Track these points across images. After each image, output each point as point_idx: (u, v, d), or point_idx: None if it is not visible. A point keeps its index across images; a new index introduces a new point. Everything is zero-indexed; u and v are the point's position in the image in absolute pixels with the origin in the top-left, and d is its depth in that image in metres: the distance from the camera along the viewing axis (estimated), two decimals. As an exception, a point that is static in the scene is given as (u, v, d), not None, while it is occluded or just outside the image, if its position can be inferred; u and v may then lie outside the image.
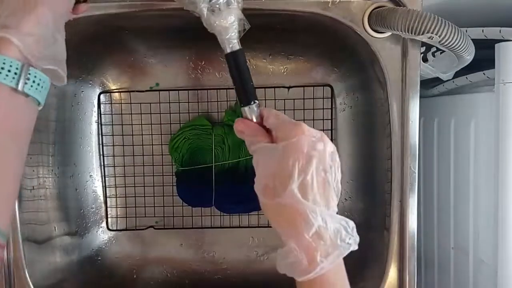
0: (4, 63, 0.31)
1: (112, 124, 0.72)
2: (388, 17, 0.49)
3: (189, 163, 0.70)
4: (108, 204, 0.73)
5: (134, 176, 0.73)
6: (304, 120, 0.72)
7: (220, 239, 0.74)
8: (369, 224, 0.65)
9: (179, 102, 0.71)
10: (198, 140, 0.70)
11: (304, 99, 0.71)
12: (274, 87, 0.71)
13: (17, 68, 0.32)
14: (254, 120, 0.44)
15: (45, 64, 0.34)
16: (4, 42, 0.32)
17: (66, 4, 0.38)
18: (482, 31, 0.59)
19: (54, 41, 0.35)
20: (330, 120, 0.72)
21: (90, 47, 0.64)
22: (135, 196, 0.73)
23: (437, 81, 0.68)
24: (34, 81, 0.33)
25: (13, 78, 0.32)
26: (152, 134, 0.72)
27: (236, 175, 0.69)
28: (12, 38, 0.32)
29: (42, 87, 0.34)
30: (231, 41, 0.44)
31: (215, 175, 0.69)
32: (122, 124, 0.72)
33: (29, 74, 0.33)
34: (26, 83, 0.32)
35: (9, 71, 0.31)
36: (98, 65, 0.69)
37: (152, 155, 0.72)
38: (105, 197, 0.73)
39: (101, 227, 0.73)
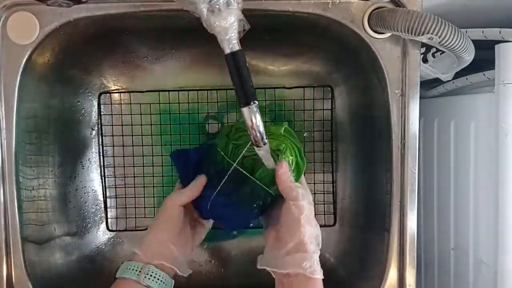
0: (131, 266, 0.49)
1: (112, 125, 0.72)
2: (388, 18, 0.49)
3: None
4: (108, 205, 0.73)
5: (134, 176, 0.73)
6: (304, 120, 0.72)
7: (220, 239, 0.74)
8: (369, 224, 0.65)
9: (179, 103, 0.71)
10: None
11: (304, 99, 0.71)
12: (274, 88, 0.71)
13: (138, 268, 0.48)
14: (254, 120, 0.45)
15: (160, 262, 0.50)
16: (133, 254, 0.51)
17: (167, 224, 0.53)
18: (482, 32, 0.59)
19: (168, 249, 0.51)
20: (330, 121, 0.72)
21: (90, 47, 0.64)
22: (135, 197, 0.73)
23: (437, 82, 0.68)
24: (151, 275, 0.48)
25: (135, 274, 0.48)
26: (152, 135, 0.72)
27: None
28: (136, 250, 0.51)
29: (158, 279, 0.48)
30: (231, 41, 0.44)
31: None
32: (122, 125, 0.72)
33: (149, 270, 0.48)
34: (145, 277, 0.48)
35: (132, 270, 0.49)
36: (98, 66, 0.69)
37: (152, 155, 0.72)
38: (105, 197, 0.73)
39: (101, 227, 0.73)
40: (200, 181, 0.55)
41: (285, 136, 0.56)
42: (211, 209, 0.55)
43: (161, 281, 0.48)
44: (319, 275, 0.46)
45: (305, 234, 0.47)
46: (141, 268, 0.48)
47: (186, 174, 0.58)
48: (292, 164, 0.55)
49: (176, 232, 0.52)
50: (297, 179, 0.56)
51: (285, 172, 0.52)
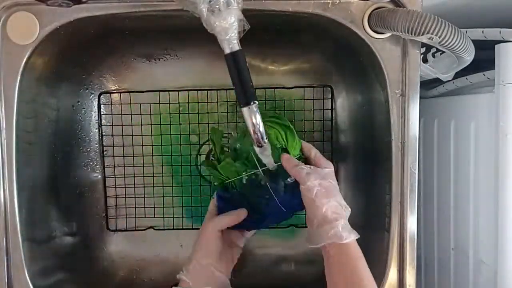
0: None
1: (112, 125, 0.72)
2: (388, 18, 0.49)
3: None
4: (108, 205, 0.73)
5: (134, 176, 0.73)
6: (304, 120, 0.72)
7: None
8: (369, 224, 0.65)
9: (179, 103, 0.71)
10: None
11: (304, 99, 0.71)
12: (274, 88, 0.71)
13: None
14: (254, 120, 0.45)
15: (207, 287, 0.53)
16: (181, 280, 0.53)
17: (208, 248, 0.54)
18: (482, 32, 0.59)
19: (212, 273, 0.53)
20: (330, 121, 0.72)
21: (90, 47, 0.64)
22: (135, 197, 0.73)
23: (437, 82, 0.68)
24: None
25: None
26: (152, 135, 0.72)
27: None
28: (183, 277, 0.53)
29: None
30: (231, 41, 0.44)
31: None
32: (122, 125, 0.72)
33: None
34: None
35: None
36: (98, 66, 0.69)
37: (152, 155, 0.72)
38: (105, 197, 0.73)
39: (101, 227, 0.73)
40: (242, 213, 0.56)
41: (271, 121, 0.56)
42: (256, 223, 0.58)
43: None
44: (348, 238, 0.49)
45: (322, 209, 0.50)
46: None
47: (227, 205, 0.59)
48: (278, 147, 0.55)
49: (217, 255, 0.54)
50: (296, 152, 0.56)
51: (287, 159, 0.54)
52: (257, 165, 0.56)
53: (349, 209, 0.53)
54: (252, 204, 0.57)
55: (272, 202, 0.57)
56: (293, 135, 0.56)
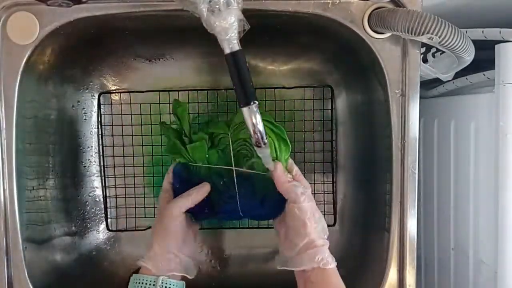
0: (145, 280, 0.49)
1: (112, 125, 0.72)
2: (388, 18, 0.49)
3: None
4: (108, 205, 0.73)
5: (134, 176, 0.73)
6: (304, 120, 0.72)
7: (220, 239, 0.74)
8: (369, 224, 0.65)
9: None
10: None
11: (304, 99, 0.71)
12: (274, 88, 0.71)
13: (152, 281, 0.49)
14: (254, 120, 0.45)
15: (172, 273, 0.51)
16: (143, 267, 0.51)
17: (172, 231, 0.52)
18: (482, 32, 0.59)
19: (176, 257, 0.51)
20: (330, 121, 0.72)
21: (90, 47, 0.64)
22: (135, 197, 0.73)
23: (437, 82, 0.68)
24: (166, 285, 0.49)
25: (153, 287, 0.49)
26: (152, 135, 0.72)
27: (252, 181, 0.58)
28: (146, 264, 0.50)
29: (174, 285, 0.50)
30: (231, 41, 0.44)
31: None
32: (122, 125, 0.72)
33: (162, 282, 0.49)
34: None
35: (149, 284, 0.49)
36: (98, 66, 0.69)
37: (152, 155, 0.72)
38: (105, 197, 0.73)
39: (101, 227, 0.73)
40: (205, 189, 0.55)
41: (267, 127, 0.55)
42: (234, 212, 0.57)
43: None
44: (332, 264, 0.49)
45: (312, 232, 0.50)
46: (155, 281, 0.49)
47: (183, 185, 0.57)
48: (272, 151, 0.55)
49: (182, 239, 0.52)
50: (286, 159, 0.56)
51: (280, 174, 0.53)
52: (232, 162, 0.56)
53: (327, 233, 0.53)
54: (209, 197, 0.56)
55: (232, 205, 0.56)
56: (288, 149, 0.56)
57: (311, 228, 0.50)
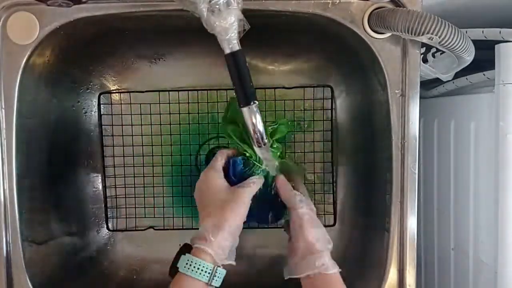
0: (202, 266, 0.46)
1: (112, 125, 0.72)
2: (388, 18, 0.49)
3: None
4: (108, 205, 0.73)
5: (134, 176, 0.73)
6: (304, 120, 0.72)
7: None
8: (369, 224, 0.65)
9: (179, 103, 0.71)
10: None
11: (304, 99, 0.71)
12: (274, 88, 0.71)
13: (210, 270, 0.46)
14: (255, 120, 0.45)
15: (227, 262, 0.49)
16: (202, 251, 0.47)
17: (242, 219, 0.50)
18: (482, 32, 0.59)
19: (233, 244, 0.50)
20: (330, 121, 0.72)
21: (90, 47, 0.64)
22: (135, 197, 0.73)
23: (437, 82, 0.68)
24: (219, 277, 0.48)
25: (207, 277, 0.46)
26: (152, 135, 0.72)
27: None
28: (209, 250, 0.47)
29: (221, 278, 0.48)
30: (231, 41, 0.44)
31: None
32: (122, 125, 0.72)
33: (217, 272, 0.47)
34: (213, 279, 0.47)
35: (205, 272, 0.46)
36: (98, 66, 0.69)
37: (152, 155, 0.72)
38: (105, 197, 0.73)
39: (101, 227, 0.73)
40: (261, 180, 0.55)
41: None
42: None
43: (223, 278, 0.49)
44: (334, 269, 0.49)
45: (310, 236, 0.50)
46: (211, 269, 0.47)
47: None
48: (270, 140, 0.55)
49: (240, 226, 0.51)
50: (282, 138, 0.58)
51: (283, 183, 0.55)
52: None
53: (332, 244, 0.53)
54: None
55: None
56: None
57: (309, 233, 0.51)
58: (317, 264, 0.49)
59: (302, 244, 0.50)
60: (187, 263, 0.46)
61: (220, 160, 0.55)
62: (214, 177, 0.53)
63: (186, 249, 0.49)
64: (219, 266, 0.47)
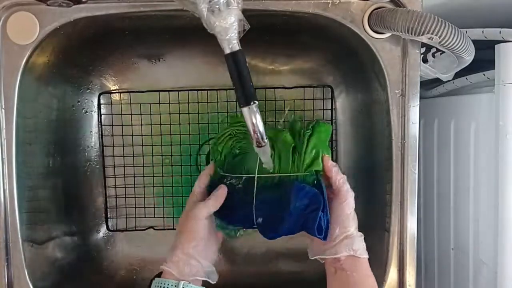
0: (167, 284, 0.49)
1: (112, 125, 0.72)
2: (388, 18, 0.49)
3: (229, 169, 0.59)
4: (108, 205, 0.73)
5: (134, 176, 0.73)
6: (304, 120, 0.72)
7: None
8: (369, 225, 0.65)
9: (179, 103, 0.71)
10: (243, 140, 0.60)
11: (304, 99, 0.71)
12: (274, 88, 0.71)
13: (174, 285, 0.49)
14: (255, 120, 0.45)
15: (194, 277, 0.51)
16: (166, 272, 0.50)
17: (198, 234, 0.52)
18: (482, 32, 0.59)
19: (198, 262, 0.51)
20: (330, 121, 0.72)
21: (90, 47, 0.64)
22: (135, 197, 0.73)
23: (437, 82, 0.68)
24: None
25: None
26: (152, 135, 0.72)
27: (281, 191, 0.56)
28: (169, 269, 0.50)
29: None
30: (231, 41, 0.44)
31: (256, 189, 0.57)
32: (122, 125, 0.72)
33: (183, 287, 0.49)
34: None
35: None
36: (98, 66, 0.69)
37: (152, 155, 0.72)
38: (105, 197, 0.73)
39: (101, 227, 0.73)
40: (221, 192, 0.55)
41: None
42: (265, 234, 0.56)
43: None
44: (365, 255, 0.51)
45: (353, 225, 0.52)
46: (176, 285, 0.49)
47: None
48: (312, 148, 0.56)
49: (204, 244, 0.52)
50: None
51: (331, 165, 0.55)
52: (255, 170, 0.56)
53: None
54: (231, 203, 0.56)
55: (248, 209, 0.56)
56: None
57: (354, 222, 0.52)
58: (354, 247, 0.50)
59: (346, 232, 0.51)
60: (156, 285, 0.50)
61: (198, 182, 0.57)
62: (189, 200, 0.56)
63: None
64: (186, 281, 0.49)
